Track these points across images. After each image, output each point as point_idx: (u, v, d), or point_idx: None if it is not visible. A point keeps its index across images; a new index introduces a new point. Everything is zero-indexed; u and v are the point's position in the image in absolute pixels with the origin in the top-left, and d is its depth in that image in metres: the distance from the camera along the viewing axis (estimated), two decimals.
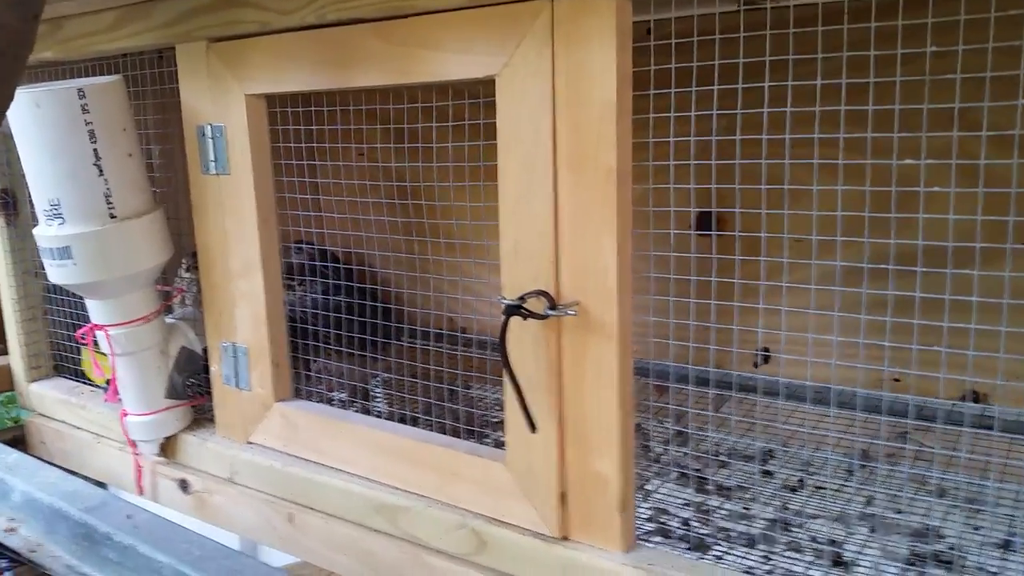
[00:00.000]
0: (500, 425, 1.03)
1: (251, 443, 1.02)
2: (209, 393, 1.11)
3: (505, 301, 0.71)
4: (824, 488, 0.88)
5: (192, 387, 1.10)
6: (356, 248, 1.18)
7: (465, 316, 1.32)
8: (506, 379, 0.74)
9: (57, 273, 0.97)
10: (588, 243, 0.70)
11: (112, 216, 0.96)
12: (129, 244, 0.98)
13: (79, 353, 1.31)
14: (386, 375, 1.14)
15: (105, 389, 1.19)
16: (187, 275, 1.19)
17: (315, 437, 0.95)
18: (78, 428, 1.24)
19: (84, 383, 1.30)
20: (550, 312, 0.70)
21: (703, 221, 1.10)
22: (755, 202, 0.82)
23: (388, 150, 1.25)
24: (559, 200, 0.71)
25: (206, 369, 1.10)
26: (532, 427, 0.73)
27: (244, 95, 0.92)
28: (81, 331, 1.04)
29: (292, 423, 0.97)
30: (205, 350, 1.09)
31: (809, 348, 0.81)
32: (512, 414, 0.76)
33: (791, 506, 0.85)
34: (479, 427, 1.03)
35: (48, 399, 1.29)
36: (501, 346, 0.72)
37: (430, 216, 1.20)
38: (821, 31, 0.67)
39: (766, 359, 1.10)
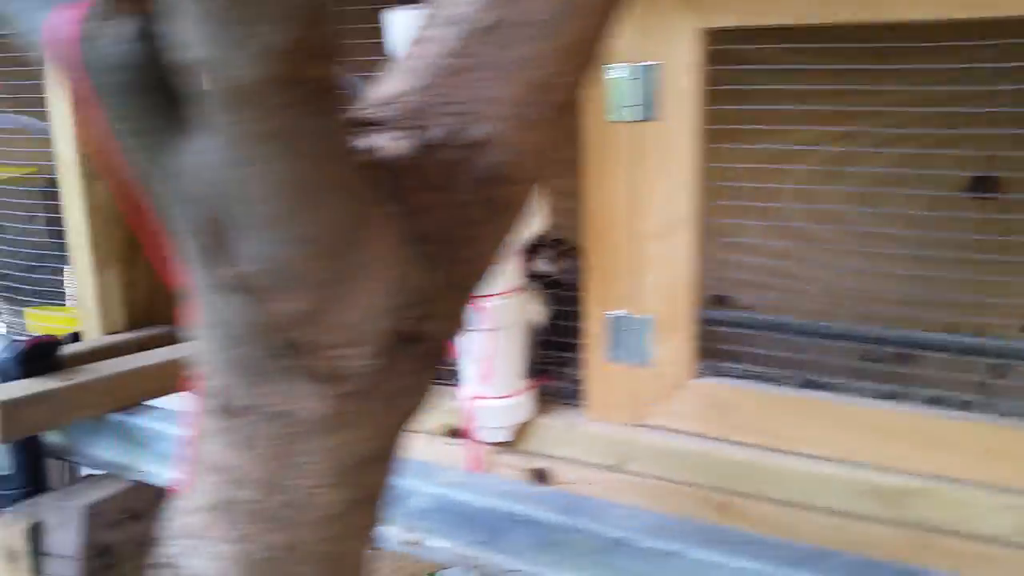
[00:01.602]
0: None
1: (645, 425, 0.90)
2: (550, 372, 0.98)
3: None
4: None
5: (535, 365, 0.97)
6: None
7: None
8: None
9: None
10: None
11: None
12: None
13: None
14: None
15: None
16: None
17: (763, 419, 0.84)
18: None
19: None
20: None
21: (979, 184, 1.07)
22: None
23: None
24: None
25: (551, 345, 0.97)
26: None
27: (696, 28, 0.79)
28: None
29: (721, 402, 0.86)
30: (553, 322, 0.97)
31: None
32: None
33: None
34: None
35: None
36: None
37: None
38: None
39: None
